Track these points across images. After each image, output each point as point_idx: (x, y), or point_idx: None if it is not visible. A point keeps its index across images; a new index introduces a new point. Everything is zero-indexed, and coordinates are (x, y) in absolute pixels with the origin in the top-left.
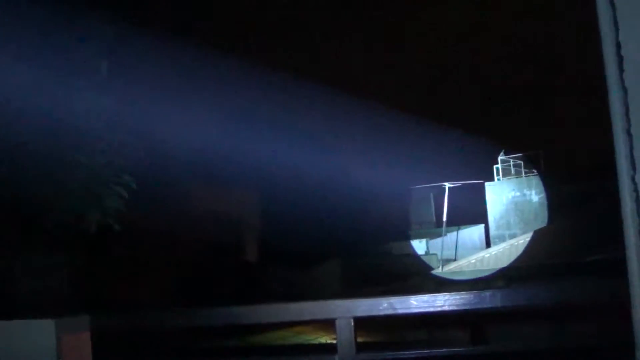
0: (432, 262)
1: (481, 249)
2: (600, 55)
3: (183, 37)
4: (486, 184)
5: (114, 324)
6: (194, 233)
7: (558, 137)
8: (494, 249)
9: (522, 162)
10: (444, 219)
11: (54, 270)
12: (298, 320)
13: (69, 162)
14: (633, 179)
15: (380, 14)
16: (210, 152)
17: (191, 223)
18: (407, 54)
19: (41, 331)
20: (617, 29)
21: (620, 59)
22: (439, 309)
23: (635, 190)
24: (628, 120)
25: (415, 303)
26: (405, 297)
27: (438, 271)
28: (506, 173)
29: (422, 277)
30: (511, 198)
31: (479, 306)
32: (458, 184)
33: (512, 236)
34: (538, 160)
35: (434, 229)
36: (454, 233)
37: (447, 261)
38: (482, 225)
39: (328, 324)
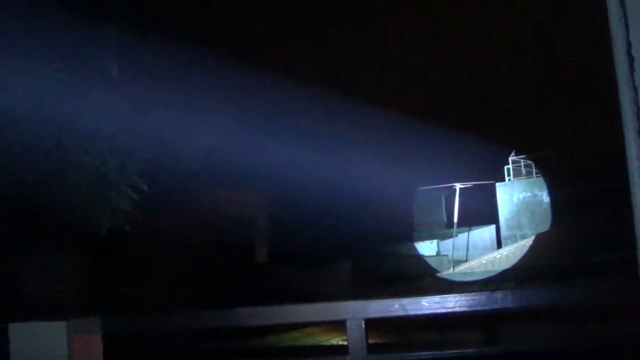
0: (443, 263)
1: (492, 250)
2: (611, 56)
3: (194, 39)
4: (497, 184)
5: (125, 326)
6: (204, 235)
7: (568, 138)
8: (505, 250)
9: (533, 163)
10: (455, 219)
11: (65, 272)
12: (309, 322)
13: (79, 164)
14: None
15: (390, 14)
16: (220, 154)
17: (202, 225)
18: (418, 54)
19: (52, 333)
20: (627, 29)
21: (631, 59)
22: (450, 310)
23: None
24: (639, 120)
25: (426, 304)
26: (416, 298)
27: (449, 272)
28: (517, 173)
29: (433, 278)
30: (522, 198)
31: (490, 307)
32: (469, 184)
33: (523, 237)
34: (548, 161)
35: (444, 230)
36: (465, 234)
37: (458, 262)
38: (493, 226)
39: (339, 325)
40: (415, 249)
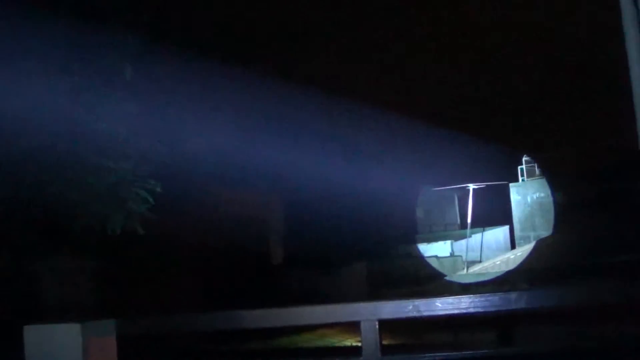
0: (457, 264)
1: (506, 251)
2: (625, 56)
3: (208, 44)
4: (511, 185)
5: (140, 328)
6: (218, 236)
7: (582, 138)
8: (518, 250)
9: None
10: (469, 220)
11: (81, 274)
12: (323, 323)
13: (95, 167)
14: None
15: (404, 16)
16: (234, 157)
17: (215, 227)
18: (433, 57)
19: (68, 335)
20: None
21: None
22: (464, 311)
23: None
24: None
25: (440, 305)
26: (430, 299)
27: (463, 273)
28: (531, 174)
29: (447, 280)
30: (536, 199)
31: (504, 308)
32: (482, 185)
33: (537, 237)
34: (562, 162)
35: (458, 231)
36: (479, 234)
37: (472, 263)
38: (506, 227)
39: (352, 327)
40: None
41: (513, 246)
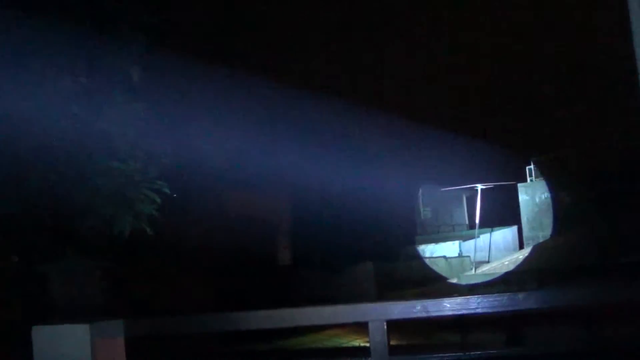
0: (465, 264)
1: (514, 251)
2: (633, 56)
3: (215, 46)
4: (519, 185)
5: (148, 329)
6: (226, 238)
7: (589, 138)
8: (527, 251)
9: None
10: (477, 220)
11: (89, 275)
12: (330, 324)
13: (102, 168)
14: None
15: (410, 17)
16: (241, 158)
17: (223, 228)
18: (441, 58)
19: (76, 335)
20: None
21: None
22: (472, 311)
23: None
24: None
25: (448, 305)
26: (438, 299)
27: (471, 273)
28: (539, 174)
29: (455, 280)
30: (544, 199)
31: (512, 308)
32: (490, 185)
33: (546, 237)
34: (569, 161)
35: (466, 231)
36: (487, 235)
37: (480, 263)
38: (515, 227)
39: (361, 327)
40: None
41: (521, 246)
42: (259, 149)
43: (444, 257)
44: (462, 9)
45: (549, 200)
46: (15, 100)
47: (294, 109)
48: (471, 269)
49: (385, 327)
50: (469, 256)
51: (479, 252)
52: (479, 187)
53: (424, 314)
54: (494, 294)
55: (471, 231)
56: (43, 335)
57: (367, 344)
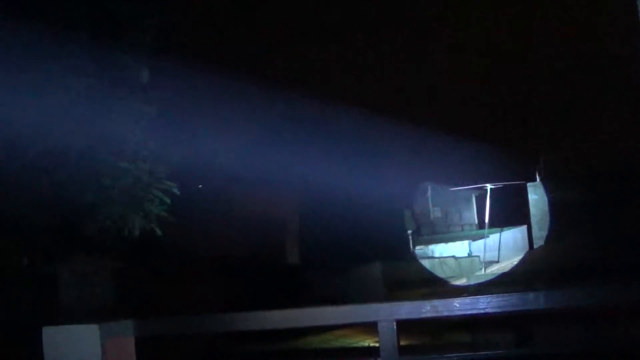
0: (474, 264)
1: (524, 251)
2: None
3: (225, 46)
4: (528, 184)
5: (158, 329)
6: (235, 238)
7: (599, 138)
8: (536, 251)
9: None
10: (486, 220)
11: (98, 275)
12: (340, 324)
13: (111, 169)
14: None
15: (423, 16)
16: (249, 159)
17: (232, 228)
18: (449, 59)
19: (86, 335)
20: None
21: None
22: (482, 311)
23: None
24: None
25: (458, 305)
26: (448, 299)
27: (481, 273)
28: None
29: (464, 280)
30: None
31: (522, 308)
32: (500, 185)
33: (554, 237)
34: (579, 161)
35: (476, 231)
36: (497, 235)
37: (490, 263)
38: (524, 227)
39: (370, 327)
40: (452, 249)
41: (531, 246)
42: (267, 149)
43: (454, 256)
44: (474, 10)
45: (558, 200)
46: (25, 102)
47: (304, 109)
48: (481, 268)
49: (395, 327)
50: (478, 256)
51: (489, 251)
52: (489, 186)
53: (433, 314)
54: (503, 293)
55: (480, 231)
56: (53, 336)
57: (377, 344)
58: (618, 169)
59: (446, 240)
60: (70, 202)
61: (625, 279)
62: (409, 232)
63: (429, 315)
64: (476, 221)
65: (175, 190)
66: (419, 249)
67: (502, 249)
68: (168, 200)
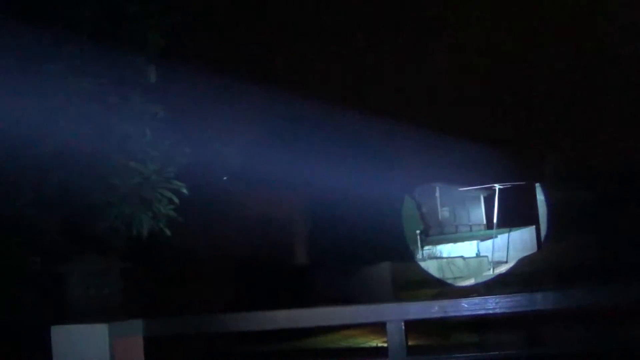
0: (482, 264)
1: (533, 251)
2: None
3: (233, 46)
4: (537, 184)
5: (166, 329)
6: (243, 238)
7: (609, 137)
8: (545, 251)
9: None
10: (495, 220)
11: (107, 275)
12: (348, 324)
13: (120, 168)
14: None
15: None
16: (259, 158)
17: (240, 228)
18: (455, 59)
19: (95, 335)
20: None
21: None
22: (490, 311)
23: None
24: None
25: (466, 306)
26: (456, 300)
27: (489, 274)
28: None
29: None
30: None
31: (531, 308)
32: (508, 185)
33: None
34: (587, 161)
35: (484, 231)
36: (505, 235)
37: (498, 263)
38: (533, 227)
39: (377, 328)
40: (460, 249)
41: (539, 246)
42: (275, 149)
43: (462, 257)
44: (479, 10)
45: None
46: (34, 102)
47: (311, 110)
48: (489, 269)
49: (403, 327)
50: (486, 256)
51: (497, 252)
52: (497, 186)
53: (441, 314)
54: (511, 294)
55: (489, 231)
56: (62, 335)
57: (385, 344)
58: (619, 170)
59: (454, 241)
60: (78, 202)
61: (626, 279)
62: (417, 232)
63: (437, 315)
64: (484, 221)
65: (184, 190)
66: (427, 249)
67: (510, 249)
68: (177, 200)
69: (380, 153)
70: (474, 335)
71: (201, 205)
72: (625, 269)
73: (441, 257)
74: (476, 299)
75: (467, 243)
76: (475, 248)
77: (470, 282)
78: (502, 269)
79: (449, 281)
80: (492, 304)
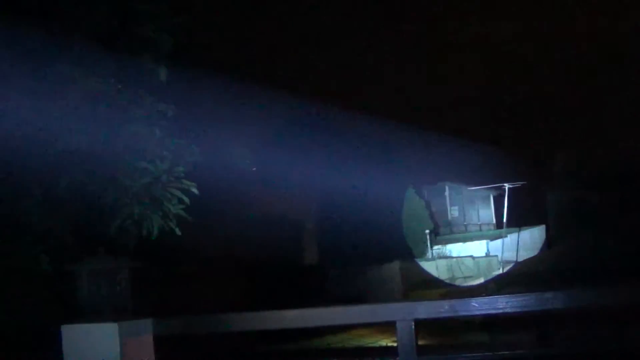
0: (492, 264)
1: (543, 250)
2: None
3: (242, 45)
4: (547, 184)
5: (176, 328)
6: (254, 237)
7: (619, 137)
8: (554, 250)
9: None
10: (504, 220)
11: (118, 275)
12: (358, 323)
13: (130, 168)
14: None
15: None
16: (270, 158)
17: (251, 228)
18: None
19: (105, 334)
20: None
21: None
22: (500, 310)
23: None
24: None
25: (476, 305)
26: (466, 299)
27: (499, 273)
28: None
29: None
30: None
31: (541, 308)
32: (518, 184)
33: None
34: (597, 161)
35: (494, 230)
36: (515, 234)
37: (508, 263)
38: (543, 226)
39: (387, 328)
40: (470, 249)
41: (549, 246)
42: (286, 149)
43: (472, 256)
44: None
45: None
46: (43, 103)
47: (323, 109)
48: (499, 268)
49: (413, 326)
50: (496, 255)
51: (507, 251)
52: (507, 186)
53: (451, 314)
54: (521, 293)
55: (498, 230)
56: (73, 334)
57: (394, 344)
58: (621, 170)
59: (464, 240)
60: (89, 202)
61: (627, 279)
62: (427, 231)
63: (447, 315)
64: (494, 221)
65: (194, 190)
66: (436, 249)
67: (520, 248)
68: (187, 200)
69: (390, 154)
70: (485, 335)
71: (212, 205)
72: (626, 269)
73: (450, 257)
74: (486, 298)
75: (476, 242)
76: (485, 247)
77: (480, 281)
78: (512, 268)
79: (458, 280)
80: (503, 303)
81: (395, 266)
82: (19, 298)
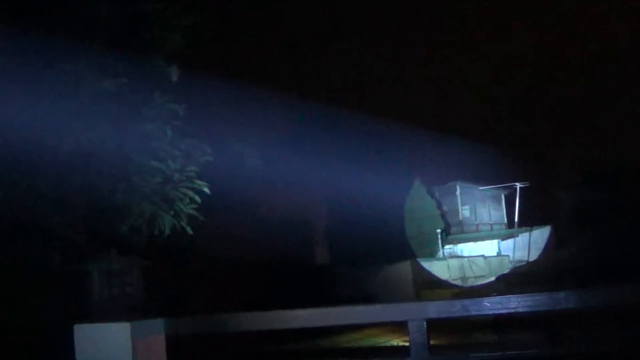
0: (503, 263)
1: (553, 250)
2: None
3: (253, 45)
4: (557, 184)
5: (188, 328)
6: (265, 237)
7: (629, 137)
8: (565, 250)
9: None
10: (516, 219)
11: (129, 274)
12: (369, 323)
13: (142, 168)
14: None
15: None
16: (280, 159)
17: (262, 228)
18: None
19: (117, 334)
20: None
21: None
22: (512, 310)
23: None
24: None
25: (488, 305)
26: (478, 298)
27: (510, 272)
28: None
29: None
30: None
31: (553, 307)
32: (528, 184)
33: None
34: (609, 160)
35: (505, 230)
36: (526, 234)
37: (519, 262)
38: (553, 226)
39: (398, 328)
40: (481, 249)
41: (559, 245)
42: (297, 150)
43: (483, 256)
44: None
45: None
46: (54, 102)
47: (334, 109)
48: (510, 268)
49: (425, 326)
50: (507, 255)
51: (518, 251)
52: (518, 185)
53: (463, 313)
54: (533, 293)
55: (510, 230)
56: (84, 334)
57: (406, 344)
58: (622, 170)
59: (475, 240)
60: (100, 202)
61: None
62: (438, 231)
63: (459, 314)
64: (505, 220)
65: (206, 190)
66: (447, 248)
67: (531, 248)
68: (199, 199)
69: (402, 153)
70: (497, 335)
71: (223, 205)
72: (629, 269)
73: (462, 256)
74: (498, 298)
75: (487, 242)
76: (496, 247)
77: (491, 280)
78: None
79: (470, 280)
80: (515, 303)
81: (406, 266)
82: (31, 297)
